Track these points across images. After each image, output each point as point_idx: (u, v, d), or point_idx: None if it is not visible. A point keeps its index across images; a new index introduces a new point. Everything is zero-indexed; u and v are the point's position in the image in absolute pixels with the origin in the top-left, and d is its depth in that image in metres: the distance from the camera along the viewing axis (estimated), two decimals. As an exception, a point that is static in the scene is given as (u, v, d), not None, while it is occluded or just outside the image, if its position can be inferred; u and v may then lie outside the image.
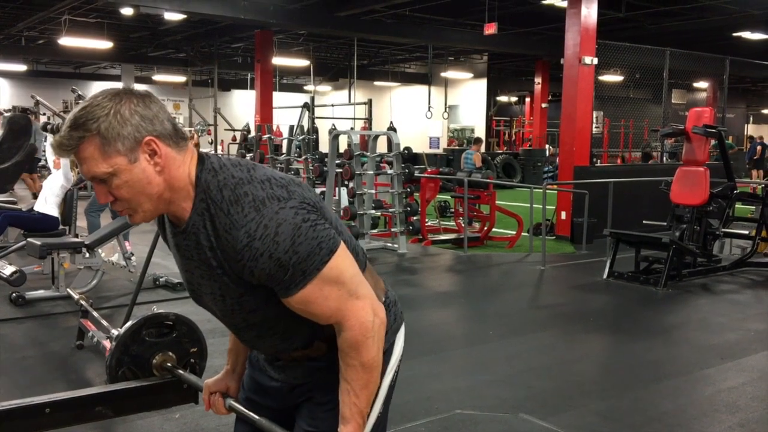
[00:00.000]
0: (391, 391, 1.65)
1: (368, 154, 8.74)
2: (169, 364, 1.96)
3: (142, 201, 1.40)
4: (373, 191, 8.56)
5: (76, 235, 6.59)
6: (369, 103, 14.21)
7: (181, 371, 1.95)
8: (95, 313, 4.44)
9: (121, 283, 6.41)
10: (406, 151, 10.83)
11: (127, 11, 13.99)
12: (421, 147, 21.46)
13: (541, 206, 8.25)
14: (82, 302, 4.59)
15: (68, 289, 5.41)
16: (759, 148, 20.91)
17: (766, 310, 6.20)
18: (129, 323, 1.97)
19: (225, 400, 1.76)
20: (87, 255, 5.76)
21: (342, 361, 1.47)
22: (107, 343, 4.04)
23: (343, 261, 1.44)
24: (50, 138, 5.46)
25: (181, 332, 2.01)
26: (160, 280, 6.35)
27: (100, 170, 1.36)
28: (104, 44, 17.27)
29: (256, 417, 1.64)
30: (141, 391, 1.92)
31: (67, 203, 6.81)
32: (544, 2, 13.20)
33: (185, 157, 1.43)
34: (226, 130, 20.28)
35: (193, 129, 18.30)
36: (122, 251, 6.55)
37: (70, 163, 6.58)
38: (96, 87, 24.47)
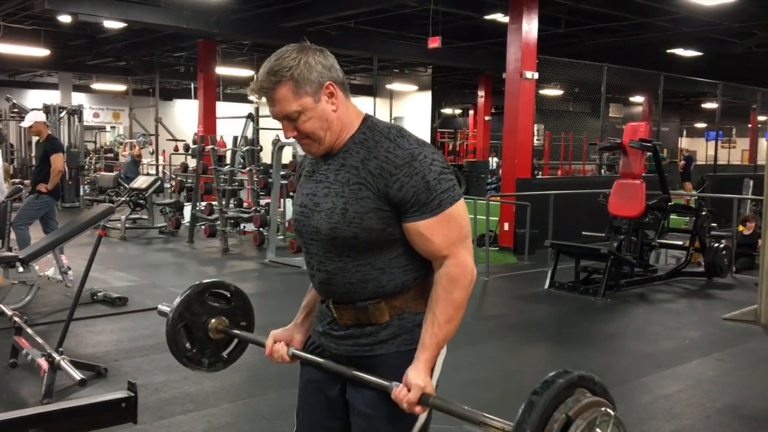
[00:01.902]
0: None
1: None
2: (224, 327, 2.06)
3: (321, 134, 1.69)
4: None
5: (10, 249, 6.37)
6: (314, 114, 14.16)
7: (238, 331, 2.06)
8: (29, 330, 4.31)
9: (57, 298, 6.21)
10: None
11: (65, 19, 13.63)
12: (366, 158, 21.45)
13: (484, 217, 8.36)
14: (16, 318, 4.44)
15: (1, 305, 5.22)
16: (683, 162, 21.66)
17: (700, 319, 6.41)
18: (196, 284, 2.05)
19: (288, 348, 1.89)
20: (21, 269, 5.57)
21: (435, 294, 1.67)
22: (42, 362, 3.91)
23: (464, 209, 1.71)
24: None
25: (237, 305, 2.10)
26: (98, 294, 6.18)
27: (292, 108, 1.66)
28: (41, 52, 16.78)
29: (321, 360, 1.79)
30: (78, 412, 1.88)
31: (0, 216, 6.58)
32: (486, 17, 13.43)
33: (350, 102, 1.75)
34: (168, 140, 19.93)
35: (135, 141, 17.86)
36: (58, 265, 6.35)
37: (4, 173, 6.37)
38: (32, 95, 23.75)
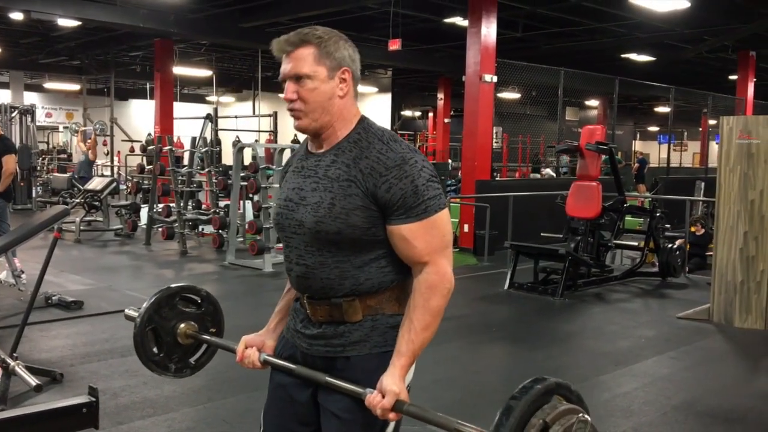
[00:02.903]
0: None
1: (274, 167, 8.66)
2: (193, 332, 2.04)
3: (317, 110, 1.70)
4: (279, 205, 8.46)
5: (-40, 252, 6.18)
6: (274, 115, 14.10)
7: (207, 336, 2.04)
8: (-19, 335, 4.18)
9: (10, 302, 6.06)
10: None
11: (17, 16, 13.29)
12: (326, 160, 21.39)
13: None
14: (-33, 324, 4.31)
15: (-49, 310, 5.07)
16: (636, 165, 22.15)
17: (655, 318, 6.56)
18: (167, 287, 2.03)
19: (260, 354, 1.88)
20: (-28, 273, 5.42)
21: (413, 301, 1.68)
22: (-5, 367, 3.81)
23: (448, 220, 1.73)
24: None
25: (207, 310, 2.08)
26: (53, 298, 6.04)
27: (304, 70, 1.68)
28: (-10, 49, 16.37)
29: (293, 366, 1.77)
30: (38, 418, 1.84)
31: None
32: (446, 21, 13.53)
33: (356, 101, 1.79)
34: (123, 141, 19.58)
35: (90, 129, 17.34)
36: (11, 268, 6.20)
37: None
38: (-19, 94, 23.07)
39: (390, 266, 1.72)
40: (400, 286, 1.74)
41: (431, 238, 1.67)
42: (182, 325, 2.02)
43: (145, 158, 12.05)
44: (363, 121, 1.77)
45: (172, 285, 2.05)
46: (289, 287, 1.96)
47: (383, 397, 1.60)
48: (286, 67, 1.71)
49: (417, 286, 1.68)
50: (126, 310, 2.11)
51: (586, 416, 1.49)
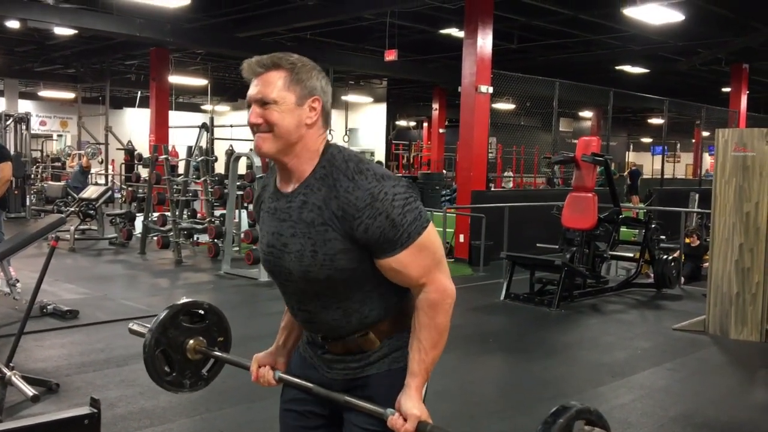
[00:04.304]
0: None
1: (269, 176, 8.64)
2: (202, 348, 2.03)
3: (282, 136, 1.64)
4: (275, 214, 8.45)
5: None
6: (269, 125, 14.08)
7: (217, 352, 2.03)
8: (-23, 345, 4.16)
9: (5, 311, 6.02)
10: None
11: (13, 24, 13.29)
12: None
13: (441, 229, 8.42)
14: (-37, 333, 4.29)
15: (-55, 319, 5.05)
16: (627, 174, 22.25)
17: (651, 329, 6.57)
18: (169, 307, 2.01)
19: (274, 372, 1.87)
20: (-33, 282, 5.39)
21: (417, 321, 1.67)
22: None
23: (434, 234, 1.68)
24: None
25: (212, 321, 2.07)
26: (48, 308, 6.01)
27: (272, 95, 1.63)
28: (-14, 57, 16.34)
29: (310, 385, 1.76)
30: (39, 429, 1.82)
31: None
32: (441, 32, 13.60)
33: (325, 133, 1.71)
34: (118, 149, 19.53)
35: (83, 152, 17.42)
36: (6, 277, 6.16)
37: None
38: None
39: (389, 291, 1.71)
40: (405, 302, 1.74)
41: (422, 261, 1.64)
42: (191, 342, 2.01)
43: (136, 166, 12.00)
44: (327, 150, 1.68)
45: (175, 303, 2.04)
46: None
47: (405, 420, 1.61)
48: (253, 90, 1.65)
49: (419, 305, 1.67)
50: (131, 325, 2.10)
51: None
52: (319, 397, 1.76)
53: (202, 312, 2.07)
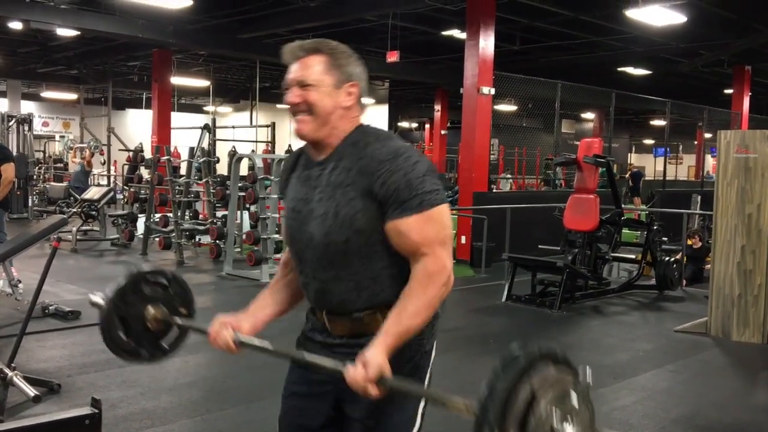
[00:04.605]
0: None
1: (272, 177, 8.66)
2: (163, 317, 1.95)
3: (320, 118, 1.71)
4: (277, 215, 8.47)
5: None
6: (272, 126, 14.09)
7: (179, 319, 1.95)
8: (-21, 345, 4.17)
9: (7, 311, 6.02)
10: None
11: (15, 25, 13.31)
12: (323, 171, 21.42)
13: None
14: (-36, 333, 4.29)
15: (-53, 320, 5.05)
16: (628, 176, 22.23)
17: (653, 331, 6.56)
18: (129, 273, 1.94)
19: (235, 333, 1.80)
20: (-31, 282, 5.40)
21: (409, 288, 1.65)
22: (-7, 377, 3.79)
23: (447, 216, 1.71)
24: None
25: (175, 291, 2.00)
26: (50, 308, 6.01)
27: (311, 78, 1.69)
28: (-12, 58, 16.38)
29: (271, 347, 1.73)
30: (41, 429, 1.82)
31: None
32: (444, 33, 13.60)
33: (356, 118, 1.78)
34: (120, 150, 19.55)
35: (86, 145, 17.43)
36: (8, 278, 6.18)
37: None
38: (-22, 102, 23.06)
39: (400, 274, 1.71)
40: None
41: (428, 231, 1.65)
42: (151, 310, 1.93)
43: (139, 168, 12.03)
44: (361, 125, 1.78)
45: (137, 270, 1.97)
46: (277, 280, 1.94)
47: (365, 368, 1.56)
48: (292, 73, 1.72)
49: (415, 274, 1.66)
50: (90, 296, 1.98)
51: (576, 380, 1.45)
52: (300, 365, 1.76)
53: (165, 282, 1.99)
